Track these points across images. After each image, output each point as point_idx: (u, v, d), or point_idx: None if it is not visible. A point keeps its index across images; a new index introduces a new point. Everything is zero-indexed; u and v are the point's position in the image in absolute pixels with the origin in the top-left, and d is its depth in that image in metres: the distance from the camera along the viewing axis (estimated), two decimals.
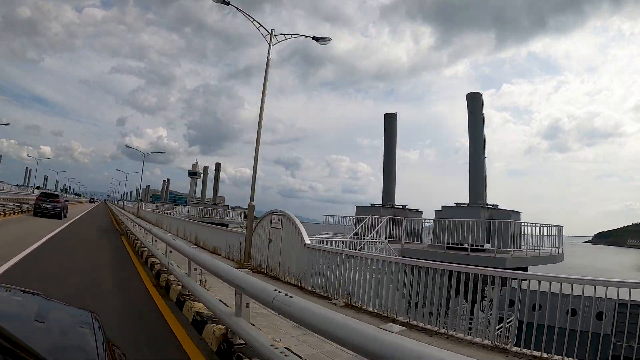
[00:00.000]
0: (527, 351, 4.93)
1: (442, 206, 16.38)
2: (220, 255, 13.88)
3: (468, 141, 18.01)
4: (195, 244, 16.80)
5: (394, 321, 6.30)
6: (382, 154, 22.28)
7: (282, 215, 10.72)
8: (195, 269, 5.96)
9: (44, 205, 22.75)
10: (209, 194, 53.42)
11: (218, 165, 51.42)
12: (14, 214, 21.91)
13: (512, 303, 6.19)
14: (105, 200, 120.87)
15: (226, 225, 28.21)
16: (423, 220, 18.22)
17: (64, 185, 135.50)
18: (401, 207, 20.79)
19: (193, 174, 74.62)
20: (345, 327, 2.39)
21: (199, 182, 67.37)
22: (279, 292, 3.21)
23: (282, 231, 10.57)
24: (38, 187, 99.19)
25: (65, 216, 24.01)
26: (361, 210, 19.94)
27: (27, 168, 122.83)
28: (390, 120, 22.91)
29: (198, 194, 69.44)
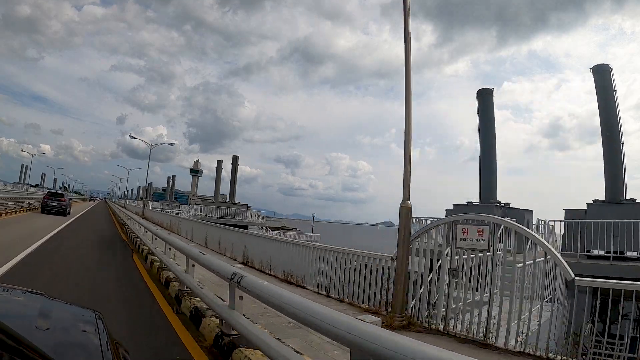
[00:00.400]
0: None
1: (587, 204, 13.07)
2: (304, 288, 8.08)
3: (600, 124, 14.63)
4: (243, 263, 11.20)
5: None
6: (478, 140, 17.96)
7: (488, 225, 5.02)
8: None
9: (50, 203, 23.88)
10: (211, 191, 48.63)
11: (235, 159, 44.39)
12: (15, 212, 20.90)
13: None
14: (105, 198, 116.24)
15: (246, 228, 24.49)
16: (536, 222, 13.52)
17: (63, 183, 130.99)
18: (504, 205, 16.21)
19: (195, 171, 68.85)
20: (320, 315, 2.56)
21: (201, 179, 62.37)
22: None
23: (493, 256, 5.06)
24: (36, 185, 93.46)
25: (69, 213, 24.74)
26: (461, 210, 15.28)
27: (22, 165, 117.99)
28: (485, 97, 18.47)
29: (200, 191, 63.89)
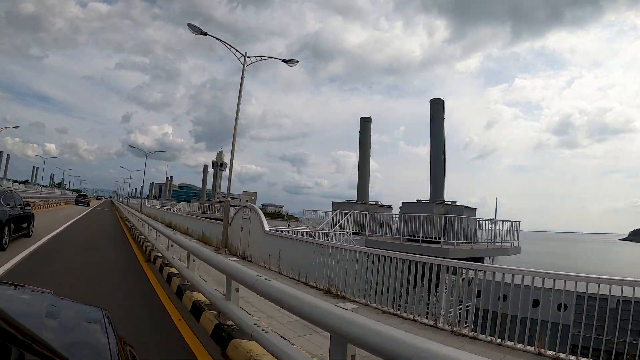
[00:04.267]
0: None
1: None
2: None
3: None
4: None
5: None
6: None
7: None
8: None
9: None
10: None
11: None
12: (61, 203, 42.87)
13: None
14: (110, 197, 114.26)
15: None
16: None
17: (69, 182, 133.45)
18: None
19: (218, 164, 67.43)
20: (311, 306, 2.97)
21: (225, 175, 61.89)
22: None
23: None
24: (26, 181, 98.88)
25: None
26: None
27: (34, 167, 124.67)
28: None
29: (223, 188, 64.25)
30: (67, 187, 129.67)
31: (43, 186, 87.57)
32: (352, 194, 22.66)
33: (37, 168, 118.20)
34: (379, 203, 21.09)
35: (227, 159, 51.87)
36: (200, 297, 5.86)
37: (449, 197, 18.52)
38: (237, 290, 4.51)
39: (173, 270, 7.87)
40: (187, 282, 6.58)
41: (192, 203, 46.33)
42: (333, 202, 20.42)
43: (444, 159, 18.99)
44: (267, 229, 11.31)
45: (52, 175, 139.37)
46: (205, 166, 53.69)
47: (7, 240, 9.34)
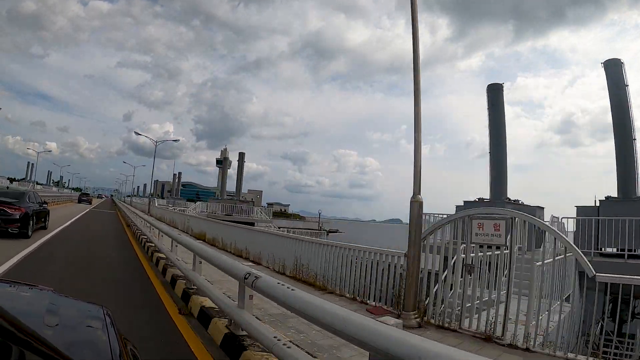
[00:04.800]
0: None
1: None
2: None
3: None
4: None
5: None
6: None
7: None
8: None
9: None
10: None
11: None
12: (65, 202, 42.75)
13: None
14: (112, 196, 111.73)
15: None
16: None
17: (68, 180, 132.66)
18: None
19: (222, 162, 63.37)
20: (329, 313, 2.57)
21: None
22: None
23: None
24: (23, 179, 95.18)
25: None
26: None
27: (28, 162, 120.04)
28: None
29: (229, 187, 59.49)
30: (65, 185, 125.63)
31: (39, 184, 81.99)
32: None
33: (33, 164, 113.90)
34: (521, 202, 15.34)
35: (231, 157, 47.71)
36: None
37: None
38: (250, 297, 4.01)
39: None
40: None
41: (211, 202, 38.15)
42: (465, 201, 15.29)
43: (635, 139, 13.92)
44: (593, 271, 4.78)
45: (49, 173, 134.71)
46: (225, 159, 47.54)
47: (32, 230, 11.22)
